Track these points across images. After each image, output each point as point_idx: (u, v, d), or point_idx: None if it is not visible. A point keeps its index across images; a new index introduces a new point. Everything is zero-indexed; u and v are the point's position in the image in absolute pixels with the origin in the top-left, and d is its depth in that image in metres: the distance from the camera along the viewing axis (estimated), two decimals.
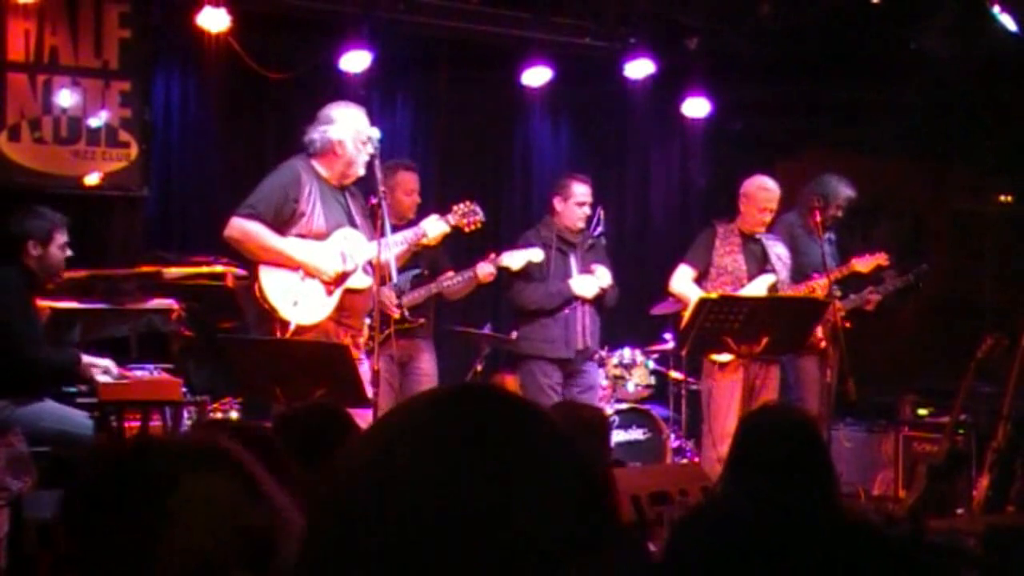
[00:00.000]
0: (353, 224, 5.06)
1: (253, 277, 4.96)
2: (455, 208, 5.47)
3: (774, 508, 2.63)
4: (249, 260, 5.03)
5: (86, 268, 5.78)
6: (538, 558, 0.83)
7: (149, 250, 6.40)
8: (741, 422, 3.21)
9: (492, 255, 5.90)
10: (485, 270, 5.83)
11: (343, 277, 4.98)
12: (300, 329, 4.89)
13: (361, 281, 5.01)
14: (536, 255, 5.93)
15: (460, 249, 6.31)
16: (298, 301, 4.91)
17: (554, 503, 0.85)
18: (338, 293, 4.99)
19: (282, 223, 4.91)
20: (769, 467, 2.69)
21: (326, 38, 7.02)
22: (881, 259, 6.32)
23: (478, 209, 5.49)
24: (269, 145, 7.24)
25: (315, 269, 4.93)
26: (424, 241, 5.31)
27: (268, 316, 4.93)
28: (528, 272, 6.06)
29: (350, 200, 5.11)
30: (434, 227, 5.31)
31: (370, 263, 4.95)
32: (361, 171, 5.05)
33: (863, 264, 6.29)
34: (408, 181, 5.98)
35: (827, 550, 2.61)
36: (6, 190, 6.30)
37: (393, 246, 4.91)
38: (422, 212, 5.79)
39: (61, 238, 4.96)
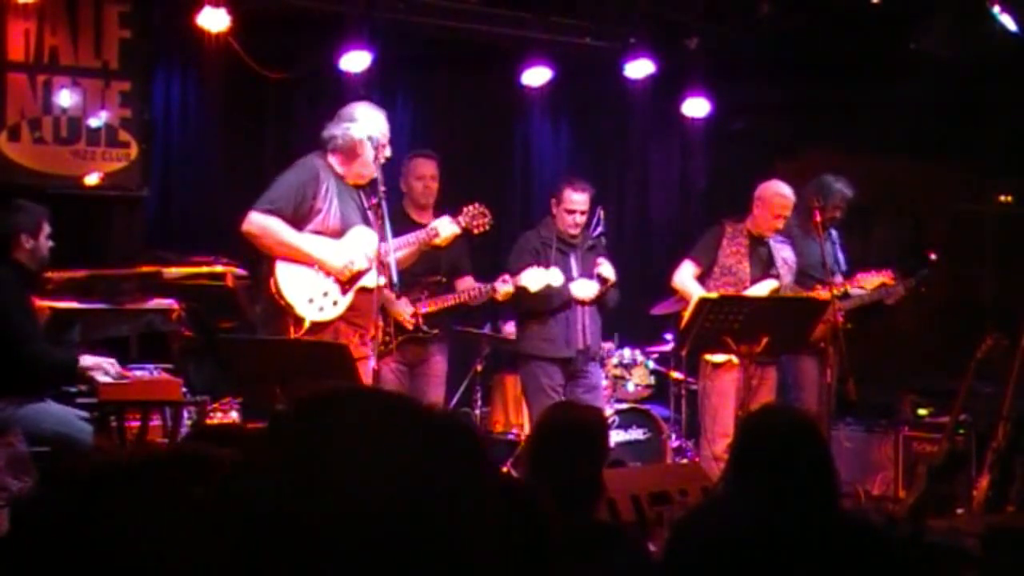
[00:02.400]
0: (367, 222, 5.08)
1: (269, 272, 4.96)
2: (465, 210, 5.50)
3: (774, 508, 2.63)
4: (263, 255, 5.03)
5: (86, 268, 5.78)
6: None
7: (149, 250, 6.39)
8: (741, 423, 3.22)
9: (508, 275, 5.86)
10: (504, 289, 5.81)
11: (357, 276, 4.99)
12: (315, 327, 4.90)
13: (374, 280, 5.03)
14: (556, 279, 5.86)
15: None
16: (313, 298, 4.93)
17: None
18: (352, 291, 5.00)
19: (299, 219, 4.93)
20: (769, 467, 2.69)
21: (326, 38, 7.01)
22: (887, 277, 6.31)
23: (487, 212, 5.52)
24: (269, 145, 7.24)
25: (331, 267, 4.94)
26: (435, 242, 5.34)
27: (282, 312, 4.93)
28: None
29: (363, 199, 5.13)
30: (446, 228, 5.34)
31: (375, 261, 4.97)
32: (376, 174, 5.05)
33: (868, 282, 6.29)
34: (419, 166, 5.92)
35: (827, 550, 2.62)
36: (6, 190, 6.29)
37: (404, 247, 4.93)
38: None
39: (47, 228, 4.98)
